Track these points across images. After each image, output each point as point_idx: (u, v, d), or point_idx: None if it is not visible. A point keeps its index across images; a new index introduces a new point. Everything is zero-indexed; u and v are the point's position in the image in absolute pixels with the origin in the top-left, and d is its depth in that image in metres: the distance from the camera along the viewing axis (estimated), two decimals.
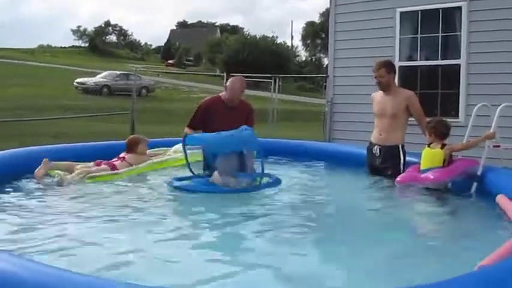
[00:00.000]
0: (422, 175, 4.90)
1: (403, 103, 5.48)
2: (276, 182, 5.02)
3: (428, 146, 5.09)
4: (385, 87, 5.54)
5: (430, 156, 5.00)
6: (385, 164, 5.47)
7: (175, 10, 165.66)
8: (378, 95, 5.69)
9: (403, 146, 5.50)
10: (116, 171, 5.34)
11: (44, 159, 5.05)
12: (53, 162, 5.19)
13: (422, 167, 5.00)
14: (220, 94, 5.62)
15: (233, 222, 3.66)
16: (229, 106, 5.42)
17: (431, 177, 4.81)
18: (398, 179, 5.02)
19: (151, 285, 1.99)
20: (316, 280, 2.63)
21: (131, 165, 5.53)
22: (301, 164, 6.50)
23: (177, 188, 4.76)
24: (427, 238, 3.60)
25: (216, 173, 4.83)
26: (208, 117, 5.35)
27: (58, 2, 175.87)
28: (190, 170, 5.04)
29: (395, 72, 5.65)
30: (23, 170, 5.03)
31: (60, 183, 4.82)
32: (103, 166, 5.35)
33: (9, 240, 3.06)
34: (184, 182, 4.93)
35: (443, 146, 4.99)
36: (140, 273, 2.56)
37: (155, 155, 5.95)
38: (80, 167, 5.24)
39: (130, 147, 5.70)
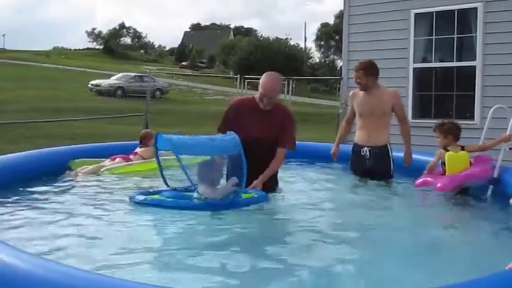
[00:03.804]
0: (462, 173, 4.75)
1: (390, 102, 5.43)
2: (262, 198, 4.23)
3: (445, 149, 4.99)
4: (363, 88, 5.45)
5: (457, 160, 4.86)
6: (377, 164, 5.39)
7: (190, 13, 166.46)
8: (359, 93, 5.57)
9: (389, 144, 5.50)
10: (129, 162, 5.88)
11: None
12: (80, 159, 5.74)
13: (449, 172, 4.84)
14: (254, 96, 4.71)
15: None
16: (263, 109, 4.53)
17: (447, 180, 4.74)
18: (417, 182, 4.93)
19: (157, 285, 1.98)
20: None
21: (144, 159, 6.02)
22: (315, 166, 6.48)
23: (139, 203, 3.96)
24: (445, 241, 3.53)
25: (201, 185, 3.96)
26: (237, 121, 4.50)
27: (74, 5, 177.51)
28: (164, 181, 4.28)
29: (377, 74, 5.46)
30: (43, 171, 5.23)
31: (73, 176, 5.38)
32: (117, 159, 5.89)
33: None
34: (149, 197, 4.03)
35: (462, 148, 4.93)
36: None
37: None
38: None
39: (143, 141, 6.22)
